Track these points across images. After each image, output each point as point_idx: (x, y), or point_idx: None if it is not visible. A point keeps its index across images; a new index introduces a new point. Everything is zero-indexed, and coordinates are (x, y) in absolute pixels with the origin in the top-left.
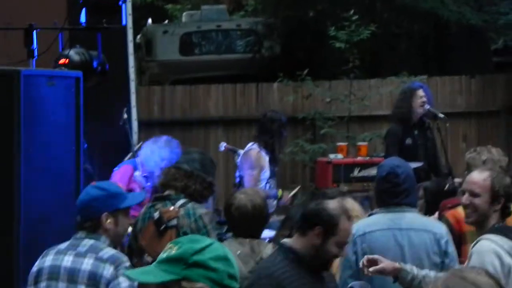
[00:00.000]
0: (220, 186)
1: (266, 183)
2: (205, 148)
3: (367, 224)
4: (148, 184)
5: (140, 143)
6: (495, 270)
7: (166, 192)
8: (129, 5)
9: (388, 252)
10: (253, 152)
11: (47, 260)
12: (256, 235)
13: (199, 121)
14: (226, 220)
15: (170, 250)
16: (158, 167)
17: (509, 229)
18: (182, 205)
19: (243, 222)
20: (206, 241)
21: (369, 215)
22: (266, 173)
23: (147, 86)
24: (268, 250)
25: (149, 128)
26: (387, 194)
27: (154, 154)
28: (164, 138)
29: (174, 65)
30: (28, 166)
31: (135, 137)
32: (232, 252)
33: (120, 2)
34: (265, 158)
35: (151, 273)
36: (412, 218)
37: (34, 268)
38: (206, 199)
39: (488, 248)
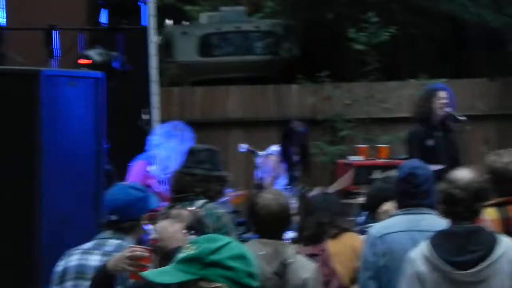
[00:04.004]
0: (240, 186)
1: (285, 189)
2: (224, 149)
3: (386, 225)
4: (167, 175)
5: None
6: (405, 277)
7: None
8: (151, 6)
9: (407, 254)
10: (272, 158)
11: (73, 259)
12: (280, 235)
13: (218, 123)
14: (249, 219)
15: (187, 250)
16: (171, 158)
17: (441, 235)
18: (201, 206)
19: (268, 221)
20: (224, 240)
21: (389, 216)
22: (283, 180)
23: (167, 87)
24: (291, 251)
25: None
26: (407, 195)
27: (164, 146)
28: (170, 126)
29: (193, 66)
30: (49, 165)
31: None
32: (255, 252)
33: (139, 3)
34: (282, 165)
35: (168, 273)
36: (431, 220)
37: (59, 268)
38: (223, 193)
39: (407, 256)
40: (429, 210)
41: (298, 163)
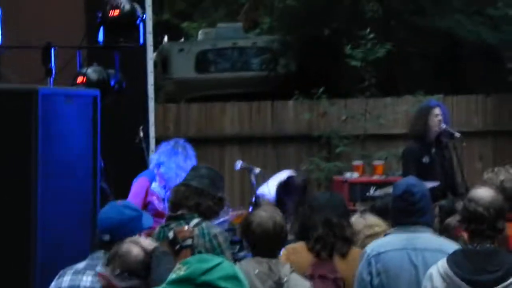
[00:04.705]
0: (236, 203)
1: None
2: (220, 165)
3: (382, 244)
4: (168, 193)
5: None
6: None
7: (179, 212)
8: (149, 23)
9: (402, 272)
10: (265, 202)
11: (65, 280)
12: (275, 253)
13: (215, 139)
14: (244, 237)
15: (179, 270)
16: (176, 176)
17: (461, 253)
18: (196, 225)
19: (264, 239)
20: (215, 260)
21: (385, 235)
22: None
23: (163, 103)
24: (286, 270)
25: None
26: (402, 213)
27: (167, 164)
28: (171, 143)
29: (190, 82)
30: (45, 183)
31: (152, 155)
32: (249, 271)
33: (138, 21)
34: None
35: None
36: (427, 238)
37: None
38: (217, 214)
39: (427, 273)
40: (425, 228)
41: (292, 215)
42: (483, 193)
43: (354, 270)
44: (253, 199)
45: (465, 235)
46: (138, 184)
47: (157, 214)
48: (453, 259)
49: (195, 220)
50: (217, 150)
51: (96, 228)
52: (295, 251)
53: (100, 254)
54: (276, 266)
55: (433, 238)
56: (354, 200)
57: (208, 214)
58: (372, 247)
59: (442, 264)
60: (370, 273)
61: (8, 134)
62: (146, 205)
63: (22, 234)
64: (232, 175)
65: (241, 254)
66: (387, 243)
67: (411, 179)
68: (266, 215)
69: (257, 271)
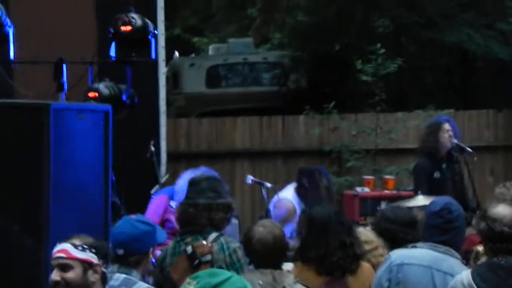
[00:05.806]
0: (246, 217)
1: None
2: (231, 180)
3: (408, 255)
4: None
5: (167, 175)
6: None
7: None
8: (161, 38)
9: None
10: (286, 203)
11: None
12: (278, 265)
13: (225, 154)
14: (246, 254)
15: (188, 285)
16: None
17: (485, 266)
18: (214, 240)
19: (265, 254)
20: (225, 274)
21: (412, 246)
22: (291, 227)
23: (174, 118)
24: (289, 280)
25: (176, 160)
26: (438, 230)
27: (183, 179)
28: (201, 169)
29: (201, 97)
30: (56, 199)
31: (163, 169)
32: (254, 282)
33: (150, 36)
34: (297, 208)
35: None
36: (454, 264)
37: None
38: (229, 221)
39: (451, 283)
40: (455, 252)
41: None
42: (504, 210)
43: (366, 286)
44: (264, 213)
45: (478, 248)
46: (157, 201)
47: (175, 233)
48: (477, 272)
49: (213, 235)
50: (228, 165)
51: (108, 242)
52: (305, 269)
53: (114, 268)
54: (280, 277)
55: (460, 265)
56: (365, 215)
57: (222, 225)
58: (397, 255)
59: (466, 276)
60: (389, 280)
61: (19, 149)
62: (164, 222)
63: (34, 246)
64: (243, 189)
65: (250, 267)
66: (414, 256)
67: (448, 198)
68: (265, 230)
69: (261, 281)
